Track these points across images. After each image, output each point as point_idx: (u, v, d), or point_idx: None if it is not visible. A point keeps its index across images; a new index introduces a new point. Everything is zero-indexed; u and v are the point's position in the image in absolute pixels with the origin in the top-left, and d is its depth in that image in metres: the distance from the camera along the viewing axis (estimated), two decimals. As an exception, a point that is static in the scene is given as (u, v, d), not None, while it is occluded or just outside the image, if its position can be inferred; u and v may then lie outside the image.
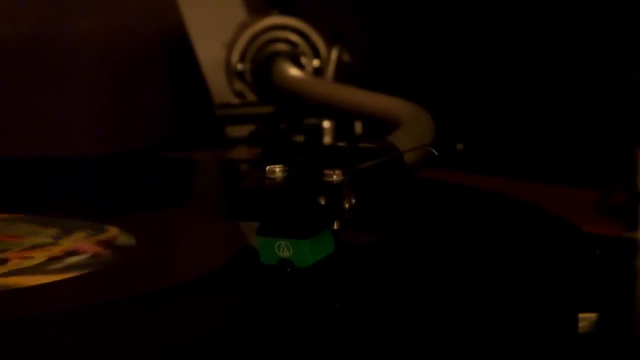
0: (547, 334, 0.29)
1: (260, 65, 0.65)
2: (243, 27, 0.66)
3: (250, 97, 0.66)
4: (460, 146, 0.53)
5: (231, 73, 0.66)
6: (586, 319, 0.30)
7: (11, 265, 0.35)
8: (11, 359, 0.27)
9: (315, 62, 0.65)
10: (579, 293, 0.32)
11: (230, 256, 0.36)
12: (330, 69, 0.65)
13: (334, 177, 0.31)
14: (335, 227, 0.31)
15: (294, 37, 0.66)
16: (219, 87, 0.67)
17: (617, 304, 0.33)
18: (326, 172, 0.31)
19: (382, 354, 0.27)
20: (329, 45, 0.65)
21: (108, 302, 0.32)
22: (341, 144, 0.39)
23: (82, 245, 0.38)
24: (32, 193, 0.50)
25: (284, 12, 0.67)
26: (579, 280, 0.33)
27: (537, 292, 0.31)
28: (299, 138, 0.63)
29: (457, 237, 0.38)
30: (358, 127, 0.61)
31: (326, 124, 0.61)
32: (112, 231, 0.40)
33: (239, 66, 0.66)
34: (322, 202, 0.30)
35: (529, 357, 0.28)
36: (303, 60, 0.65)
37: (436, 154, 0.37)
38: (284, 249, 0.30)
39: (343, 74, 0.65)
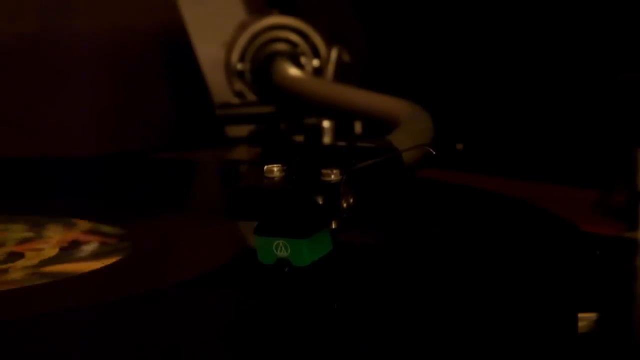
0: (547, 334, 0.29)
1: (260, 65, 0.65)
2: (243, 27, 0.66)
3: (250, 97, 0.66)
4: (460, 146, 0.53)
5: (231, 73, 0.66)
6: (586, 319, 0.30)
7: (39, 257, 0.36)
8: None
9: (315, 62, 0.65)
10: (579, 293, 0.32)
11: (229, 256, 0.36)
12: (330, 69, 0.65)
13: (332, 176, 0.31)
14: (334, 226, 0.31)
15: (294, 37, 0.65)
16: (219, 87, 0.67)
17: (617, 304, 0.33)
18: (324, 171, 0.31)
19: (380, 354, 0.27)
20: (329, 45, 0.65)
21: (107, 302, 0.32)
22: (341, 143, 0.39)
23: (81, 236, 0.38)
24: (32, 193, 0.50)
25: (284, 12, 0.67)
26: (579, 280, 0.33)
27: (537, 292, 0.31)
28: (299, 138, 0.63)
29: (457, 237, 0.38)
30: (358, 127, 0.60)
31: (326, 124, 0.61)
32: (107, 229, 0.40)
33: (239, 66, 0.66)
34: (320, 202, 0.30)
35: (529, 357, 0.28)
36: (303, 60, 0.65)
37: (434, 153, 0.37)
38: (282, 249, 0.30)
39: (343, 74, 0.65)
